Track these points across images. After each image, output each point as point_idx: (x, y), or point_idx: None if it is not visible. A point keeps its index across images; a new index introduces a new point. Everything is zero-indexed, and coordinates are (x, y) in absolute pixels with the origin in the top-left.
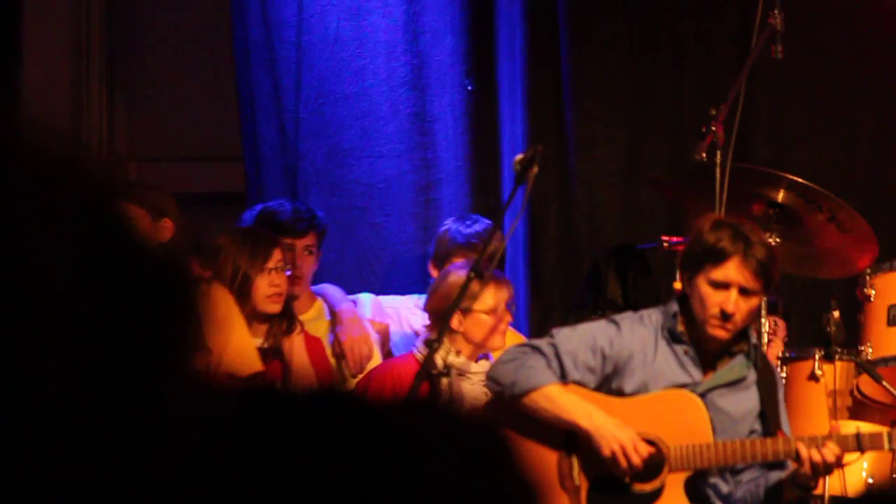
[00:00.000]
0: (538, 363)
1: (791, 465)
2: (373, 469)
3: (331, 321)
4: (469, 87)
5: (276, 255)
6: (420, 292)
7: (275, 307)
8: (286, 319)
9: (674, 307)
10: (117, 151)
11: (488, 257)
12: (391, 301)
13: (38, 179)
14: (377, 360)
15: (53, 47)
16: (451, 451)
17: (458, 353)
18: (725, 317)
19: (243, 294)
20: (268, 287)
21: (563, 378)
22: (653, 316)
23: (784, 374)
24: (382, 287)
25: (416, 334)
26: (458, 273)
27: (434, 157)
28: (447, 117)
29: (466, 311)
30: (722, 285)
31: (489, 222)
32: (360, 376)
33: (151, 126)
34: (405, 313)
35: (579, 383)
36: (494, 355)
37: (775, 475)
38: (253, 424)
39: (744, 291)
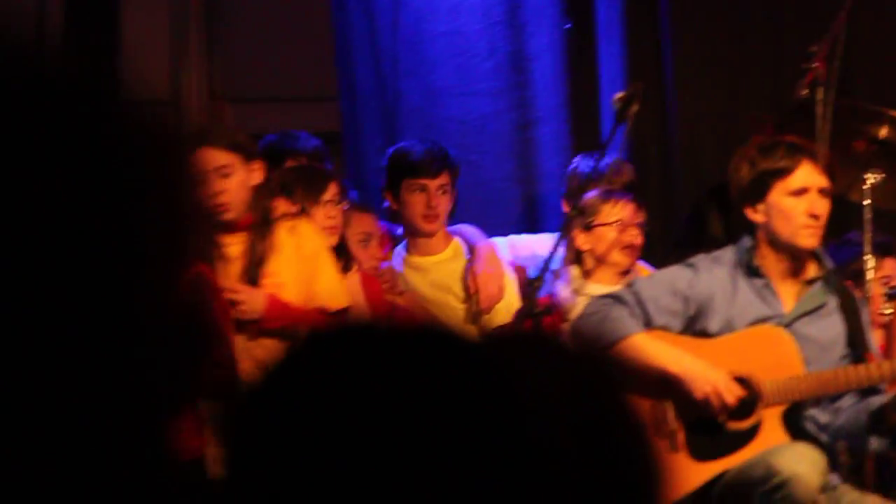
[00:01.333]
0: (621, 313)
1: (886, 388)
2: (474, 403)
3: (469, 259)
4: (567, 26)
5: (332, 189)
6: (518, 231)
7: (330, 240)
8: (342, 258)
9: (747, 241)
10: (215, 93)
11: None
12: (525, 240)
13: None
14: (513, 299)
15: None
16: (556, 384)
17: (585, 274)
18: (815, 220)
19: None
20: (323, 219)
21: (648, 324)
22: (726, 254)
23: (890, 310)
24: (479, 224)
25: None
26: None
27: (532, 96)
28: (545, 56)
29: (589, 228)
30: (801, 191)
31: (617, 155)
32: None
33: (248, 67)
34: (540, 252)
35: (664, 328)
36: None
37: (877, 400)
38: (354, 359)
39: (821, 192)
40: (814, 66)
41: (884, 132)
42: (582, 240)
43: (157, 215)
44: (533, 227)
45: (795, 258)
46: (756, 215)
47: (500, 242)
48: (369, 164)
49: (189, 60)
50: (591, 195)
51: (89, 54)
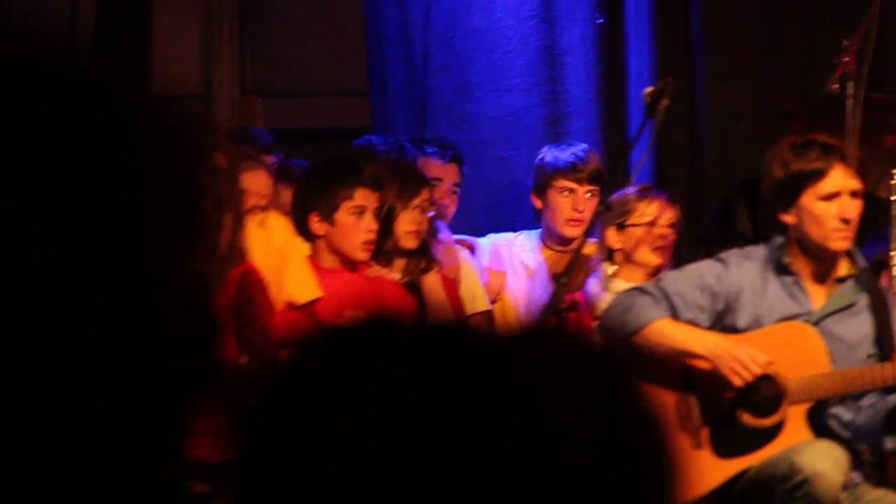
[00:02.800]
0: (646, 301)
1: None
2: (490, 397)
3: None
4: (599, 20)
5: (424, 195)
6: None
7: (412, 244)
8: (424, 258)
9: (779, 239)
10: (247, 87)
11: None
12: (502, 239)
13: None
14: (477, 290)
15: None
16: (575, 381)
17: (615, 273)
18: (846, 224)
19: (386, 227)
20: (409, 223)
21: (674, 318)
22: (758, 251)
23: None
24: (510, 220)
25: (528, 272)
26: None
27: (563, 91)
28: (577, 50)
29: (621, 227)
30: (833, 196)
31: (585, 145)
32: None
33: (280, 61)
34: (516, 250)
35: (690, 322)
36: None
37: (894, 398)
38: (375, 356)
39: (853, 194)
40: (844, 60)
41: None
42: (613, 238)
43: (177, 209)
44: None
45: (826, 259)
46: (787, 217)
47: (484, 244)
48: None
49: (220, 54)
50: (625, 192)
51: (120, 49)
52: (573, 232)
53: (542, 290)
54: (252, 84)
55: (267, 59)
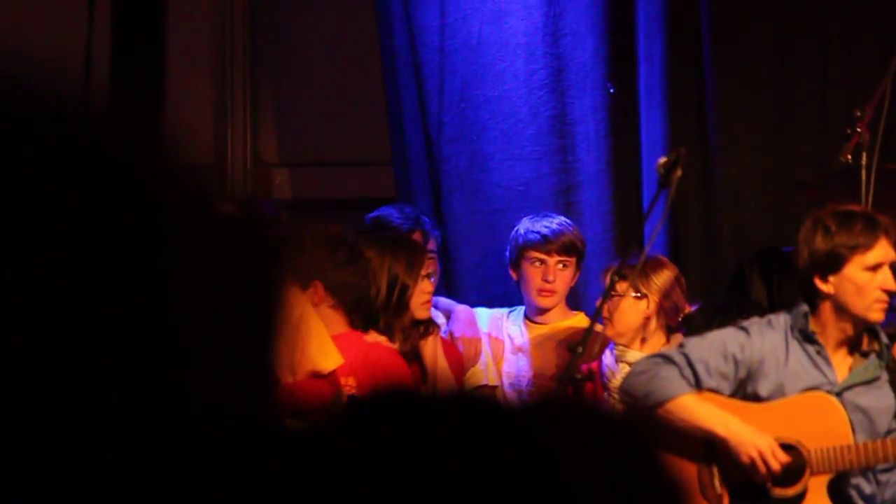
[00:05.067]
0: (671, 373)
1: None
2: (511, 470)
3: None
4: (611, 90)
5: (427, 262)
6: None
7: (427, 313)
8: (423, 323)
9: (804, 307)
10: (263, 158)
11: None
12: (497, 312)
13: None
14: (488, 362)
15: (197, 54)
16: (595, 450)
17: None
18: (886, 294)
19: (401, 303)
20: (422, 294)
21: (698, 386)
22: (780, 319)
23: None
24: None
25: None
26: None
27: (574, 160)
28: (588, 120)
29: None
30: (877, 267)
31: (563, 218)
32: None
33: (299, 131)
34: (505, 325)
35: (714, 391)
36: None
37: None
38: (386, 430)
39: (891, 265)
40: (858, 130)
41: None
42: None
43: (210, 291)
44: (575, 292)
45: (857, 330)
46: (826, 286)
47: (483, 314)
48: None
49: (235, 124)
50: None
51: (134, 118)
52: (545, 302)
53: (527, 367)
54: (272, 154)
55: (287, 129)
